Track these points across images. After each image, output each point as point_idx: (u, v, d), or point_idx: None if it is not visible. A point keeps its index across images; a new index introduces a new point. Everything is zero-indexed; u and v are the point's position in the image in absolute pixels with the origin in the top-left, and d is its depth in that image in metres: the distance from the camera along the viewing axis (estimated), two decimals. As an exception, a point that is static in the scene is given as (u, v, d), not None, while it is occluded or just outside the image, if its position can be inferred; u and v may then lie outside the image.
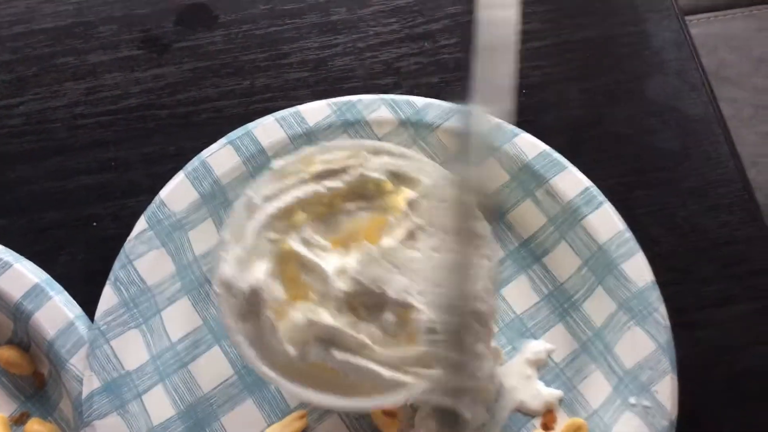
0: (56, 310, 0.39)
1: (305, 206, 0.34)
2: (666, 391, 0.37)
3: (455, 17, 0.50)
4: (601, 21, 0.50)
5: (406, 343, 0.31)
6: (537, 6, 0.50)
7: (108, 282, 0.40)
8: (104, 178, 0.46)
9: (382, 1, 0.51)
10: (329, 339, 0.31)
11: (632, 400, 0.37)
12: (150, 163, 0.46)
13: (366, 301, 0.32)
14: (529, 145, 0.43)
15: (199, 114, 0.47)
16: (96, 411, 0.37)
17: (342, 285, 0.32)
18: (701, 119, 0.46)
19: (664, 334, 0.38)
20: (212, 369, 0.40)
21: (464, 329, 0.31)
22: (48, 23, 0.50)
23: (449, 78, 0.48)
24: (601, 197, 0.41)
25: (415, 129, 0.44)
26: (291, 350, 0.31)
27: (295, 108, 0.44)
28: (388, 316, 0.31)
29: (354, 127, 0.44)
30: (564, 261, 0.41)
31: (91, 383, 0.38)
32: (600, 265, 0.40)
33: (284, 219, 0.33)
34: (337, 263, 0.32)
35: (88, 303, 0.40)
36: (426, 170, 0.35)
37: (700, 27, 0.80)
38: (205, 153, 0.43)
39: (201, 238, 0.42)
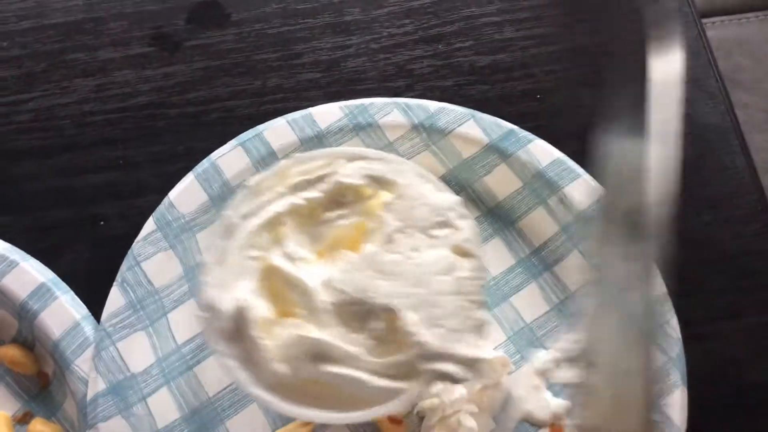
0: (62, 310, 0.39)
1: (285, 220, 0.34)
2: (675, 404, 0.37)
3: (469, 20, 0.49)
4: (617, 26, 0.49)
5: (396, 350, 0.31)
6: (550, 9, 0.50)
7: (115, 283, 0.40)
8: (112, 177, 0.45)
9: (396, 2, 0.50)
10: (319, 353, 0.31)
11: (642, 414, 0.37)
12: (159, 162, 0.45)
13: (355, 311, 0.32)
14: (543, 153, 0.42)
15: (210, 114, 0.47)
16: (101, 413, 0.37)
17: (327, 297, 0.32)
18: (717, 128, 0.46)
19: (675, 347, 0.37)
20: (218, 372, 0.39)
21: None
22: (58, 18, 0.50)
23: (462, 81, 0.47)
24: (614, 207, 0.41)
25: (427, 133, 0.43)
26: (282, 368, 0.31)
27: (306, 110, 0.44)
28: (377, 323, 0.31)
29: (366, 130, 0.43)
30: (576, 270, 0.41)
31: (96, 385, 0.37)
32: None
33: (266, 235, 0.33)
34: (322, 275, 0.32)
35: (92, 302, 0.40)
36: (402, 171, 0.35)
37: (714, 30, 0.79)
38: (216, 154, 0.43)
39: (209, 240, 0.41)
